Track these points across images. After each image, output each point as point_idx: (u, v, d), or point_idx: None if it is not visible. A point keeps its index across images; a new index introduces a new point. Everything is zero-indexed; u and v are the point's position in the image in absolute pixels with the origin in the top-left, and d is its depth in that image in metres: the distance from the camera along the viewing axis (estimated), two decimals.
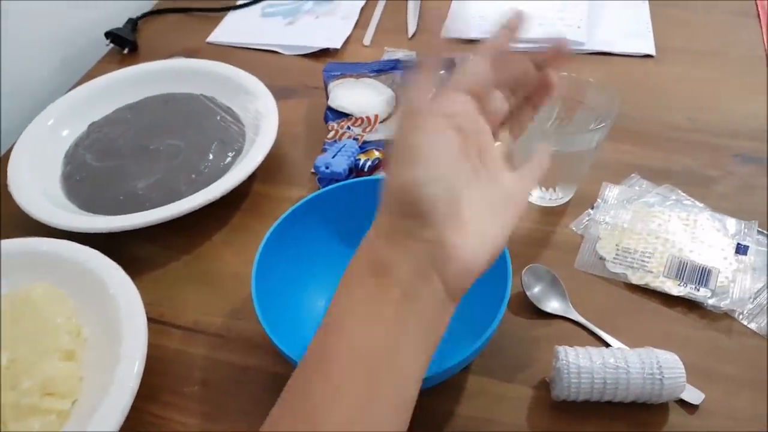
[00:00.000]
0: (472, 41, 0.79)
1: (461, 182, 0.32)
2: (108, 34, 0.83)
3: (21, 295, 0.50)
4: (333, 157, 0.60)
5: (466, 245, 0.31)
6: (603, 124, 0.51)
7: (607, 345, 0.47)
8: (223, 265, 0.56)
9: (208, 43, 0.84)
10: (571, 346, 0.43)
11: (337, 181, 0.59)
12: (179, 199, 0.57)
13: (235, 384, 0.47)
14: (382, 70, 0.68)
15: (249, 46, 0.83)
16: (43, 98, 0.76)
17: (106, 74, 0.72)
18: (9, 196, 0.59)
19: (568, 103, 0.56)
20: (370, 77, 0.66)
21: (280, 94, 0.68)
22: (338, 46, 0.80)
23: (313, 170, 0.64)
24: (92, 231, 0.54)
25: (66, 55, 0.82)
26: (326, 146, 0.63)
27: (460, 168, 0.32)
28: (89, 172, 0.61)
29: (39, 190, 0.59)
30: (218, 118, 0.67)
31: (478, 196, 0.32)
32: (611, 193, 0.57)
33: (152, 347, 0.46)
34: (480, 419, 0.43)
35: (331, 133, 0.64)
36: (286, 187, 0.63)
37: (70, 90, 0.73)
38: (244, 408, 0.46)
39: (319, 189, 0.61)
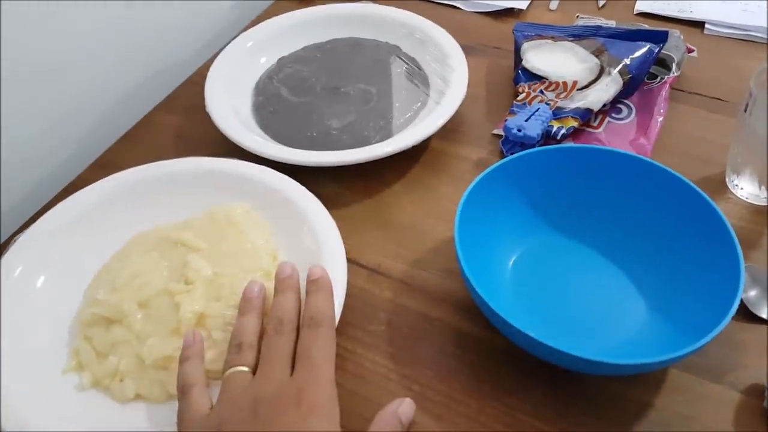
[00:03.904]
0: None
1: None
2: None
3: (223, 213, 0.51)
4: (526, 120, 0.58)
5: None
6: None
7: None
8: (402, 214, 0.56)
9: None
10: None
11: (527, 145, 0.57)
12: (366, 144, 0.57)
13: (420, 331, 0.47)
14: (581, 35, 0.64)
15: None
16: (221, 29, 0.79)
17: (296, 11, 0.73)
18: (197, 114, 0.61)
19: None
20: (569, 41, 0.63)
21: None
22: (524, 7, 0.77)
23: (495, 132, 0.63)
24: (296, 163, 0.55)
25: None
26: (515, 108, 0.61)
27: None
28: (283, 106, 0.62)
29: (233, 114, 0.61)
30: (404, 67, 0.66)
31: None
32: None
33: None
34: (682, 415, 0.41)
35: (522, 96, 0.62)
36: (463, 146, 0.62)
37: (251, 24, 0.74)
38: (430, 356, 0.46)
39: (501, 152, 0.60)
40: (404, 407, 0.39)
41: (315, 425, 0.35)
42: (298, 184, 0.52)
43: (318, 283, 0.42)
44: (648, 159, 0.48)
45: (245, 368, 0.39)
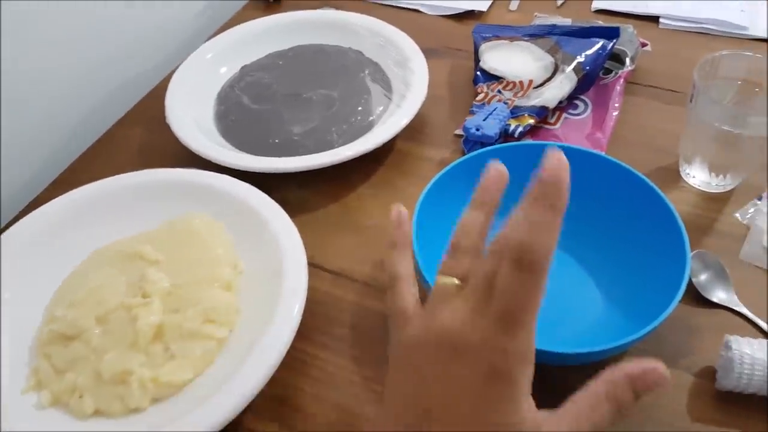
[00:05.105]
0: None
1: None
2: None
3: (182, 224, 0.52)
4: (484, 119, 0.59)
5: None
6: None
7: None
8: (367, 216, 0.57)
9: None
10: (743, 336, 0.41)
11: (486, 144, 0.58)
12: (330, 148, 0.58)
13: (384, 332, 0.47)
14: (537, 34, 0.65)
15: (391, 3, 0.82)
16: (185, 40, 0.79)
17: (258, 19, 0.73)
18: (160, 126, 0.61)
19: (745, 85, 0.52)
20: (525, 41, 0.64)
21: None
22: (484, 9, 0.78)
23: (457, 132, 0.63)
24: (256, 170, 0.55)
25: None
26: (475, 108, 0.62)
27: None
28: (245, 114, 0.63)
29: (194, 124, 0.61)
30: (366, 72, 0.67)
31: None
32: None
33: None
34: (641, 402, 0.42)
35: (480, 96, 0.63)
36: (427, 147, 0.63)
37: (215, 33, 0.74)
38: None
39: (462, 151, 0.61)
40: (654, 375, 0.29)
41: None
42: (258, 191, 0.52)
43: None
44: (600, 153, 0.50)
45: (454, 280, 0.33)
